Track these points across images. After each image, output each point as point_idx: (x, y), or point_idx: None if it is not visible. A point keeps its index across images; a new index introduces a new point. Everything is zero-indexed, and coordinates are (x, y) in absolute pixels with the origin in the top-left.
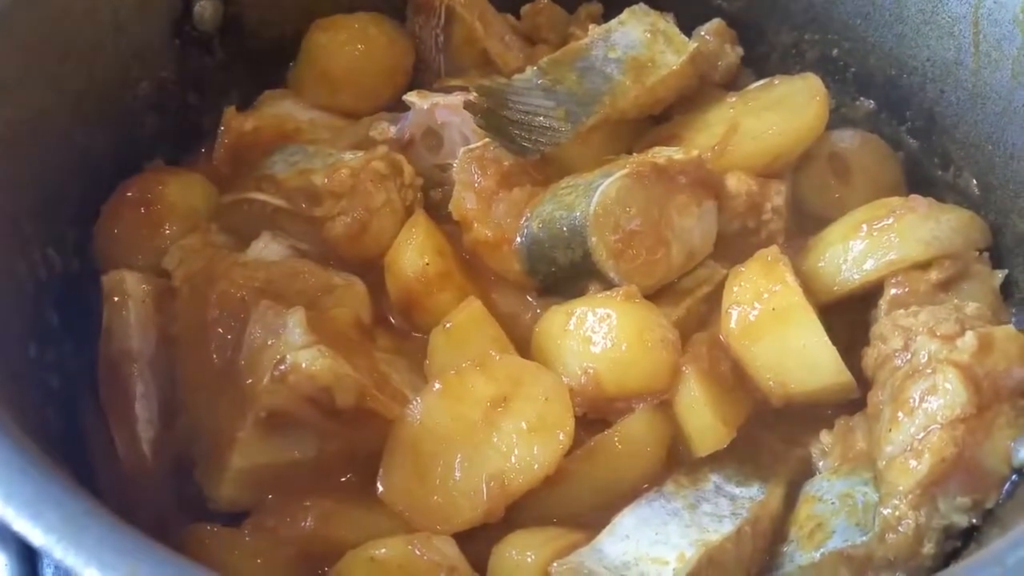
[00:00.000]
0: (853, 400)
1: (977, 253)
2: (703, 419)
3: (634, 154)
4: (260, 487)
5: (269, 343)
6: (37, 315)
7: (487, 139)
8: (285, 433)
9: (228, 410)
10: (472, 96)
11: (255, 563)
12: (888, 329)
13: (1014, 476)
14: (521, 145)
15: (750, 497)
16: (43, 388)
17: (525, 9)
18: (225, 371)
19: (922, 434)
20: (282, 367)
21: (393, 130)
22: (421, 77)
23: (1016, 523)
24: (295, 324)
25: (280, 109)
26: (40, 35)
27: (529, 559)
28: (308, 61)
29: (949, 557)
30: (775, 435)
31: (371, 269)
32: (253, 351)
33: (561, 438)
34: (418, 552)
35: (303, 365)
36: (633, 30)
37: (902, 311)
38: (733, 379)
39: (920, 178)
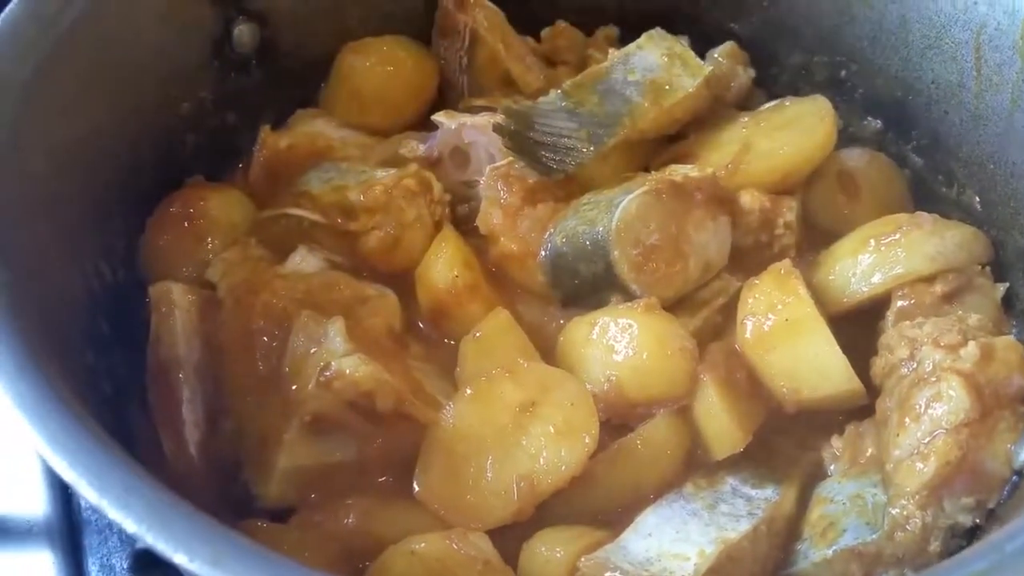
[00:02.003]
0: (863, 407)
1: (980, 267)
2: (720, 424)
3: (652, 172)
4: (305, 486)
5: (312, 351)
6: (91, 324)
7: (512, 157)
8: (328, 436)
9: (274, 414)
10: (499, 118)
11: (303, 556)
12: (895, 339)
13: (1015, 477)
14: (547, 166)
15: (765, 498)
16: (99, 393)
17: (545, 32)
18: (270, 377)
19: (928, 439)
20: (327, 373)
21: (422, 148)
22: (446, 97)
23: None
24: (336, 333)
25: (313, 127)
26: (93, 61)
27: (558, 555)
28: (339, 82)
29: (954, 555)
30: (789, 440)
31: (402, 280)
32: (296, 358)
33: (587, 441)
34: (455, 547)
35: (347, 371)
36: (651, 54)
37: (908, 322)
38: (748, 386)
39: (926, 195)
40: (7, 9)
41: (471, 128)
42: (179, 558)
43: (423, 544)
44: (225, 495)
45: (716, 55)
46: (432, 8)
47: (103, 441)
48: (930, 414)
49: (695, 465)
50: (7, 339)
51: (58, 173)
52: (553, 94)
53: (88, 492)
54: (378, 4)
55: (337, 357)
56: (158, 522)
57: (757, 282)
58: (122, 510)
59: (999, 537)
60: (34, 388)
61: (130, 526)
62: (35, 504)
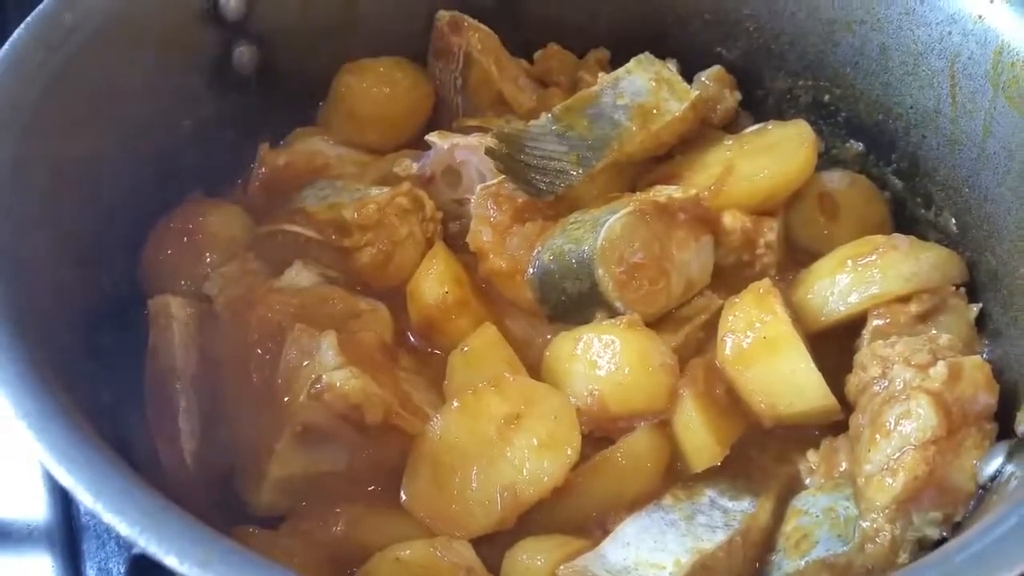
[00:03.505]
0: (838, 422)
1: (954, 288)
2: (699, 438)
3: (637, 192)
4: (295, 494)
5: (304, 364)
6: (92, 335)
7: (502, 177)
8: (318, 446)
9: (266, 424)
10: (490, 140)
11: (292, 562)
12: (868, 358)
13: (980, 491)
14: (537, 188)
15: (742, 510)
16: (98, 402)
17: (537, 54)
18: (263, 389)
19: (897, 454)
20: (318, 386)
21: (415, 167)
22: (440, 116)
23: None
24: (328, 346)
25: (310, 146)
26: (99, 81)
27: (539, 563)
28: (337, 101)
29: None
30: (765, 454)
31: (394, 295)
32: (289, 371)
33: (569, 453)
34: (439, 554)
35: (337, 384)
36: (639, 78)
37: (881, 341)
38: (727, 401)
39: (905, 216)
40: (14, 34)
41: (463, 148)
42: (170, 560)
43: (408, 551)
44: (219, 502)
45: (703, 78)
46: (428, 30)
47: (100, 448)
48: (899, 431)
49: (674, 477)
50: (9, 349)
51: (62, 189)
52: (543, 118)
53: (84, 496)
54: (375, 26)
55: (328, 370)
56: (151, 525)
57: (737, 300)
58: (117, 514)
59: (951, 547)
60: (35, 396)
61: (124, 529)
62: (35, 509)
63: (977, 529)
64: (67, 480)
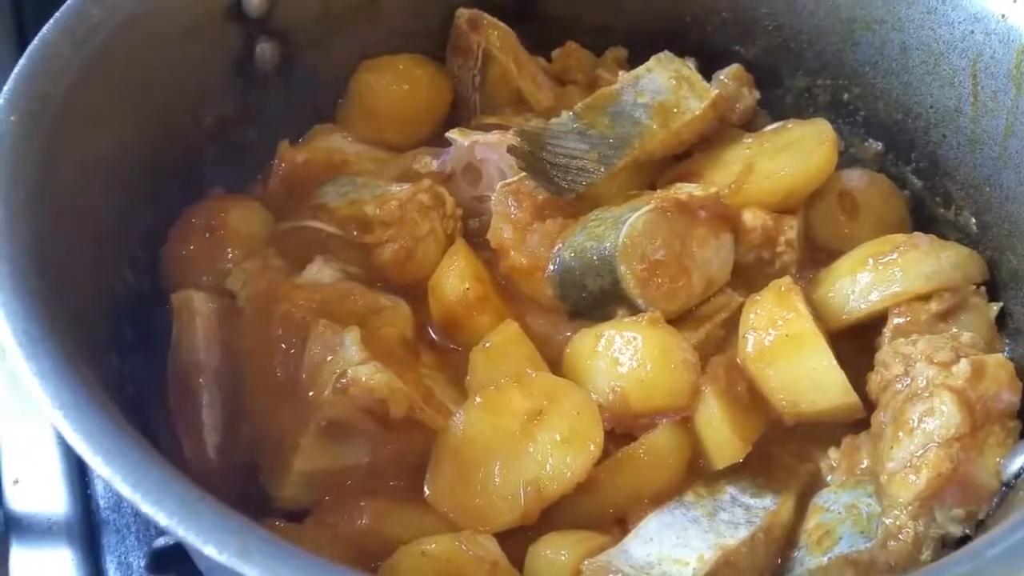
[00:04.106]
0: (859, 420)
1: (975, 287)
2: (721, 435)
3: (657, 190)
4: (319, 488)
5: (328, 359)
6: (116, 329)
7: (522, 174)
8: (342, 441)
9: (290, 419)
10: (512, 139)
11: (319, 554)
12: (890, 356)
13: (1004, 489)
14: (559, 186)
15: (764, 507)
16: (123, 395)
17: (555, 52)
18: (287, 383)
19: (920, 452)
20: (343, 380)
21: (435, 164)
22: (459, 113)
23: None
24: (351, 342)
25: (329, 143)
26: (122, 78)
27: (563, 557)
28: (356, 98)
29: None
30: (787, 451)
31: (414, 291)
32: (313, 366)
33: (592, 449)
34: (464, 548)
35: (363, 379)
36: (659, 77)
37: (903, 339)
38: (749, 399)
39: (924, 215)
40: (43, 29)
41: (483, 145)
42: (209, 550)
43: (433, 545)
44: (242, 496)
45: (722, 77)
46: (447, 28)
47: (135, 439)
48: (923, 428)
49: (696, 474)
50: (44, 341)
51: (88, 185)
52: (565, 115)
53: (122, 487)
54: (395, 24)
55: (353, 365)
56: (188, 516)
57: (758, 298)
58: (155, 505)
59: (980, 543)
60: (71, 389)
61: (162, 519)
62: (55, 503)
63: (1006, 525)
64: (105, 471)
